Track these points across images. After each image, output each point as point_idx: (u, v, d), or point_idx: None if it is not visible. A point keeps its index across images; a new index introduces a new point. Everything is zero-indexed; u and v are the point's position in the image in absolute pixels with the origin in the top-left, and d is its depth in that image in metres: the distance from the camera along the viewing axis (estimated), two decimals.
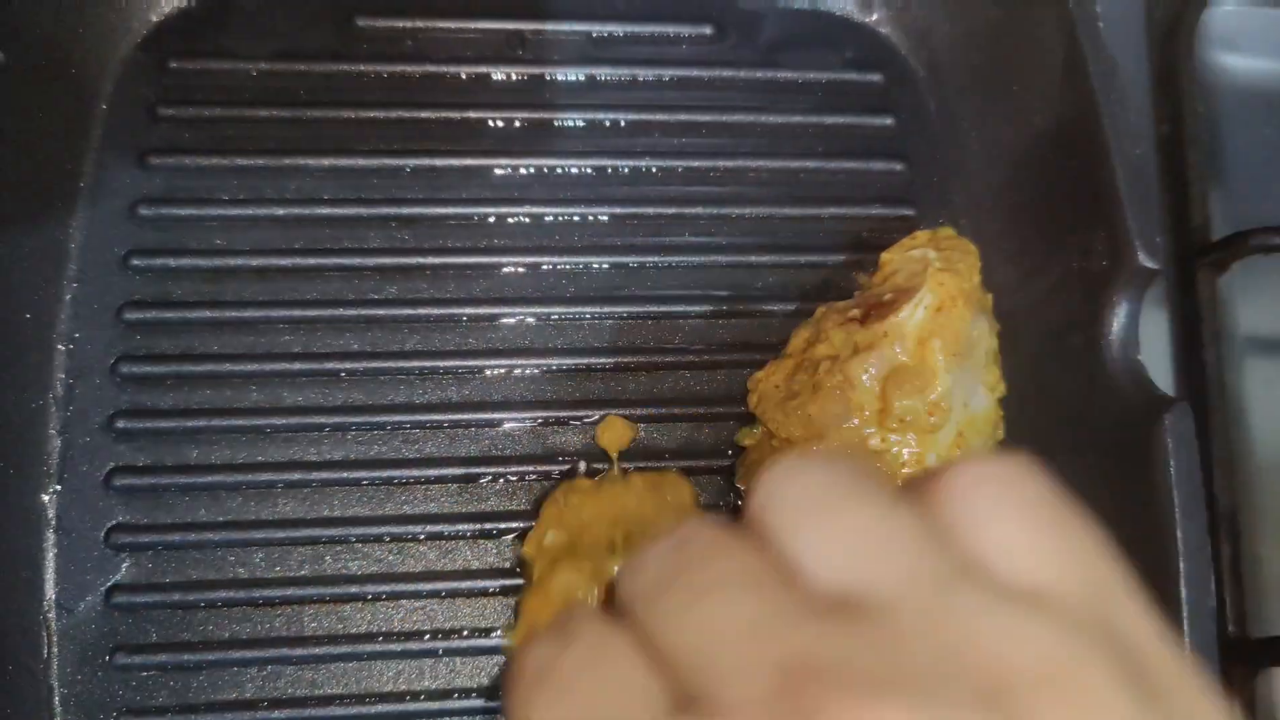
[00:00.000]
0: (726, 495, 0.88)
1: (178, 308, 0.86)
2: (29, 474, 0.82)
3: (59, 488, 0.82)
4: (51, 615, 0.80)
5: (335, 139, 0.91)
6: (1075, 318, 0.83)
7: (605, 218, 0.92)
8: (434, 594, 0.84)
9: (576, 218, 0.91)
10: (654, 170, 0.93)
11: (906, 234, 0.87)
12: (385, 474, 0.85)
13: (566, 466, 0.86)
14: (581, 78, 0.94)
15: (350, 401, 0.86)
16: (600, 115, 0.94)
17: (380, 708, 0.82)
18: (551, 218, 0.91)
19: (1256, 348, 0.99)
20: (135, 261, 0.86)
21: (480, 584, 0.84)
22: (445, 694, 0.83)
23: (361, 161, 0.90)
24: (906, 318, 0.79)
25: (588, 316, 0.90)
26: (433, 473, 0.86)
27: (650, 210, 0.92)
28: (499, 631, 0.83)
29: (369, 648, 0.82)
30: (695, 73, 0.96)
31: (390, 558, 0.84)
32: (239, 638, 0.82)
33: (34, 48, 0.84)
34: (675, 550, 0.38)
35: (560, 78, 0.94)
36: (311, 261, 0.88)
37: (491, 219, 0.91)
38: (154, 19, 0.91)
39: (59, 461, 0.83)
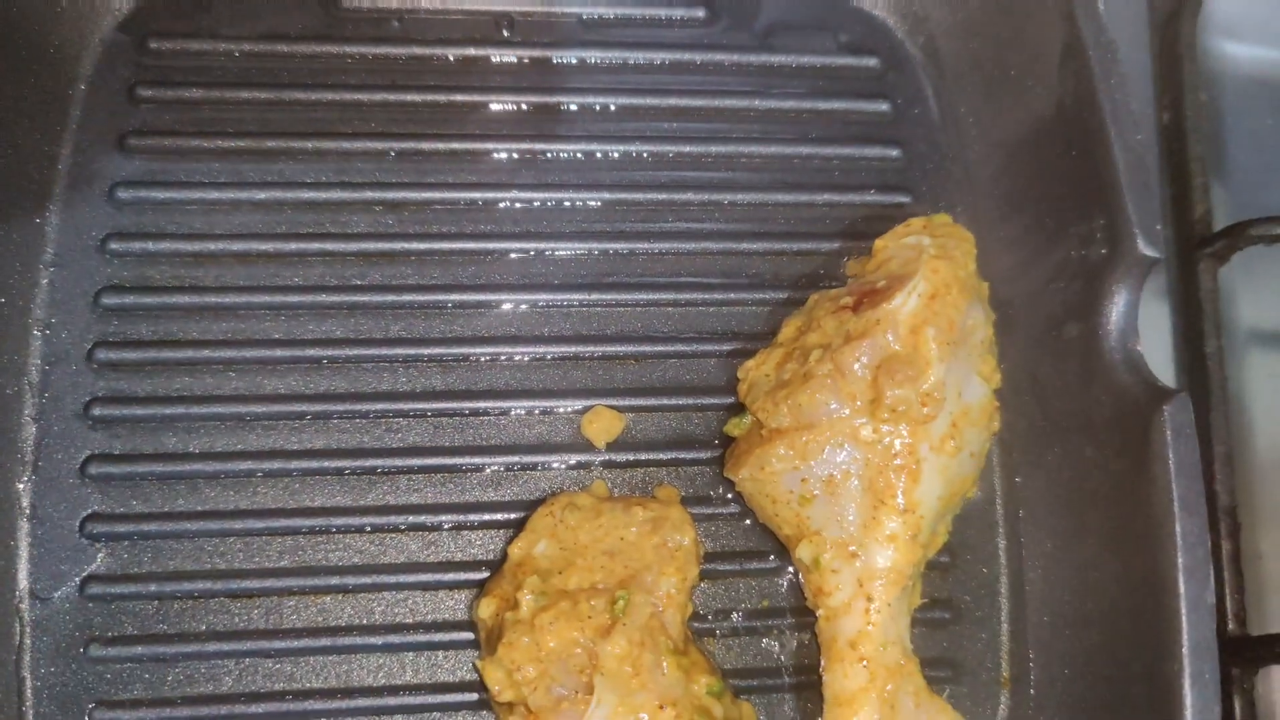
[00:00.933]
0: (715, 487, 0.86)
1: (156, 293, 0.84)
2: (3, 462, 0.80)
3: (33, 476, 0.81)
4: (24, 606, 0.79)
5: (319, 122, 0.89)
6: (1073, 307, 0.82)
7: (595, 203, 0.90)
8: (416, 585, 0.82)
9: (565, 203, 0.90)
10: (645, 155, 0.91)
11: (901, 221, 0.85)
12: (367, 463, 0.83)
13: (558, 459, 0.85)
14: (571, 60, 0.93)
15: (332, 389, 0.85)
16: (590, 99, 0.92)
17: (361, 702, 0.80)
18: (539, 203, 0.90)
19: (1258, 340, 0.98)
20: (113, 246, 0.85)
21: (463, 576, 0.82)
22: (427, 688, 0.81)
23: (346, 145, 0.88)
24: (900, 305, 0.77)
25: (576, 304, 0.88)
26: (416, 462, 0.84)
27: (641, 196, 0.90)
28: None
29: (349, 640, 0.81)
30: (687, 56, 0.94)
31: (372, 548, 0.83)
32: (216, 629, 0.80)
33: (11, 26, 0.82)
34: None
35: (550, 60, 0.92)
36: (293, 246, 0.86)
37: (478, 204, 0.89)
38: None
39: (33, 449, 0.81)
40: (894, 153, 0.94)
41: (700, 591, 0.84)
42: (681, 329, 0.89)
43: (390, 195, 0.88)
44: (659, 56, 0.94)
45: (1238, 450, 0.93)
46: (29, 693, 0.78)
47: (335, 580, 0.82)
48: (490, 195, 0.89)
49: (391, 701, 0.81)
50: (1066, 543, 0.83)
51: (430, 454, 0.84)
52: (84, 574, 0.80)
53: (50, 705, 0.78)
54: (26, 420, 0.81)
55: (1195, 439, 0.74)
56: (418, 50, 0.91)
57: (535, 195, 0.90)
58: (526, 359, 0.87)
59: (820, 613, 0.78)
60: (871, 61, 0.95)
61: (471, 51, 0.92)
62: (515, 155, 0.90)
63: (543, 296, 0.88)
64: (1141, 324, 0.79)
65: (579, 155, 0.91)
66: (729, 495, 0.86)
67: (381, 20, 0.92)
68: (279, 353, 0.84)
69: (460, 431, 0.85)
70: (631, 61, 0.93)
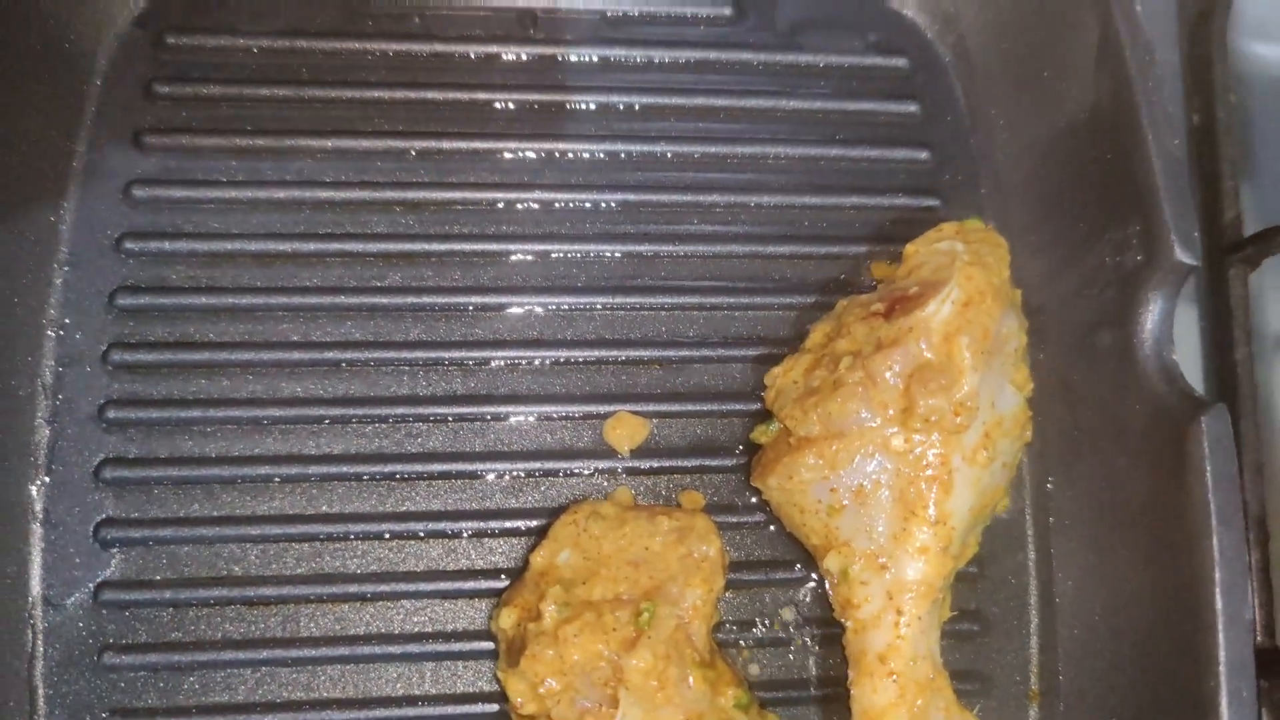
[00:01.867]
0: (741, 494, 0.85)
1: (172, 293, 0.83)
2: (15, 465, 0.79)
3: (47, 479, 0.79)
4: (38, 612, 0.78)
5: (339, 120, 0.87)
6: (1107, 314, 0.80)
7: (617, 204, 0.88)
8: (436, 594, 0.81)
9: (588, 204, 0.88)
10: (669, 156, 0.90)
11: (930, 225, 0.84)
12: (386, 468, 0.82)
13: (581, 465, 0.84)
14: (594, 59, 0.91)
15: (351, 393, 0.83)
16: (614, 98, 0.90)
17: (379, 712, 0.79)
18: (562, 204, 0.88)
19: None
20: (129, 245, 0.83)
21: (484, 584, 0.81)
22: (447, 699, 0.80)
23: (365, 144, 0.87)
24: (933, 313, 0.76)
25: (599, 307, 0.87)
26: (436, 468, 0.82)
27: (665, 197, 0.89)
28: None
29: (368, 649, 0.80)
30: (713, 55, 0.92)
31: (391, 556, 0.81)
32: (232, 638, 0.79)
33: (28, 21, 0.81)
34: None
35: (573, 58, 0.91)
36: (312, 247, 0.85)
37: (499, 204, 0.87)
38: None
39: (47, 452, 0.80)
40: (923, 155, 0.92)
41: (725, 601, 0.83)
42: (707, 333, 0.87)
43: (410, 195, 0.87)
44: (684, 55, 0.92)
45: (1266, 458, 0.91)
46: (41, 701, 0.77)
47: (353, 588, 0.80)
48: (511, 195, 0.88)
49: (410, 712, 0.79)
50: (1098, 554, 0.82)
51: (450, 459, 0.83)
52: (98, 580, 0.79)
53: (63, 714, 0.77)
54: (40, 423, 0.80)
55: (1234, 452, 0.72)
56: (439, 47, 0.90)
57: (557, 195, 0.88)
58: (549, 363, 0.85)
59: (849, 625, 0.77)
60: (900, 62, 0.94)
61: (494, 49, 0.90)
62: (538, 154, 0.89)
63: (566, 299, 0.86)
64: None
65: (602, 155, 0.89)
66: (755, 502, 0.84)
67: (403, 16, 0.90)
68: (297, 355, 0.83)
69: (481, 436, 0.84)
70: (656, 60, 0.92)
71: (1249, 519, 0.88)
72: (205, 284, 0.83)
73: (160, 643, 0.78)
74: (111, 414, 0.81)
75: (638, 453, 0.85)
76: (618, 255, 0.88)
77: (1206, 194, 0.98)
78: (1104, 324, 0.81)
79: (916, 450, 0.75)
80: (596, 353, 0.86)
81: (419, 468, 0.82)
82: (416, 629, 0.81)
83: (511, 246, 0.87)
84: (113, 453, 0.80)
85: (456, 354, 0.84)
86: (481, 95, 0.89)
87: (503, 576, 0.82)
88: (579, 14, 0.92)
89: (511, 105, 0.89)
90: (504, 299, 0.86)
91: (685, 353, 0.86)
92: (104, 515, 0.79)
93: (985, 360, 0.76)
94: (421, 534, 0.82)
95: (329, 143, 0.86)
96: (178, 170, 0.85)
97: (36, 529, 0.79)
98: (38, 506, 0.79)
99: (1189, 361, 0.94)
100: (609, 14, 0.92)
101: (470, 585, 0.81)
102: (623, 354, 0.86)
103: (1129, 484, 0.79)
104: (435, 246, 0.86)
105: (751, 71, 0.93)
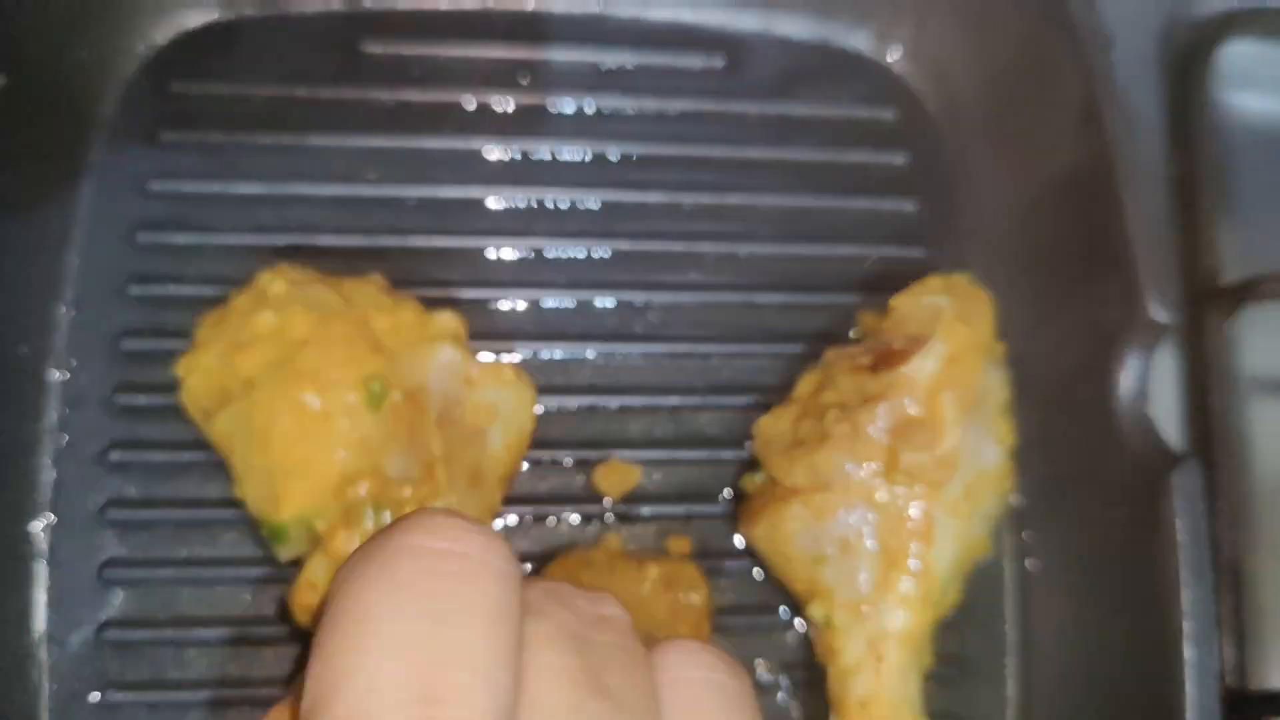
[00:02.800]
0: (727, 540, 0.87)
1: (175, 338, 0.84)
2: (20, 504, 0.80)
3: (52, 518, 0.81)
4: (41, 650, 0.79)
5: (339, 168, 0.89)
6: (1086, 368, 0.82)
7: (609, 253, 0.91)
8: None
9: (580, 253, 0.90)
10: (660, 205, 0.92)
11: (917, 275, 0.85)
12: None
13: (570, 511, 0.86)
14: (588, 109, 0.93)
15: None
16: (607, 147, 0.92)
17: None
18: (554, 252, 0.90)
19: (1266, 395, 0.98)
20: (134, 290, 0.85)
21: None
22: None
23: (365, 191, 0.89)
24: (918, 368, 0.78)
25: (590, 355, 0.89)
26: None
27: (656, 246, 0.91)
28: None
29: None
30: (705, 106, 0.94)
31: None
32: (232, 676, 0.81)
33: (33, 68, 0.82)
34: None
35: (567, 109, 0.93)
36: None
37: (490, 253, 0.89)
38: (158, 41, 0.89)
39: (52, 492, 0.81)
40: (909, 206, 0.94)
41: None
42: (696, 381, 0.89)
43: (409, 242, 0.88)
44: (677, 105, 0.94)
45: (1243, 503, 0.93)
46: None
47: None
48: (504, 241, 0.90)
49: None
50: (1075, 603, 0.84)
51: None
52: (102, 619, 0.80)
53: None
54: (45, 463, 0.82)
55: (1203, 508, 0.75)
56: (437, 96, 0.91)
57: (549, 243, 0.90)
58: (541, 410, 0.87)
59: (830, 671, 0.79)
60: (889, 114, 0.96)
61: (490, 97, 0.92)
62: (530, 204, 0.91)
63: (557, 347, 0.88)
64: (1150, 376, 0.80)
65: (595, 204, 0.91)
66: (741, 548, 0.87)
67: (402, 66, 0.92)
68: None
69: None
70: (649, 110, 0.94)
71: (1223, 564, 0.90)
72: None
73: (162, 681, 0.80)
74: (115, 456, 0.82)
75: (627, 498, 0.87)
76: (609, 304, 0.90)
77: (1185, 242, 0.99)
78: (1083, 378, 0.83)
79: (900, 502, 0.77)
80: (589, 399, 0.88)
81: None
82: None
83: (505, 293, 0.89)
84: (116, 493, 0.82)
85: None
86: (477, 143, 0.91)
87: None
88: (574, 65, 0.94)
89: (505, 155, 0.91)
90: (497, 344, 0.88)
91: (675, 400, 0.88)
92: (108, 555, 0.81)
93: (968, 415, 0.78)
94: None
95: (329, 190, 0.88)
96: (182, 216, 0.87)
97: (42, 568, 0.80)
98: (42, 545, 0.81)
99: (1168, 408, 0.96)
100: (603, 66, 0.94)
101: None
102: (614, 401, 0.88)
103: (1106, 535, 0.81)
104: (430, 293, 0.87)
105: (742, 122, 0.95)
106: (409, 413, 0.73)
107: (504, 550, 0.42)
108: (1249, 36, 1.05)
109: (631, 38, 0.95)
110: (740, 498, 0.86)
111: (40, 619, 0.80)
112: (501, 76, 0.93)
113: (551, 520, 0.86)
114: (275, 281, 0.77)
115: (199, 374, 0.77)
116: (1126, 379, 0.80)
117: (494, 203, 0.90)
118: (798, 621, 0.86)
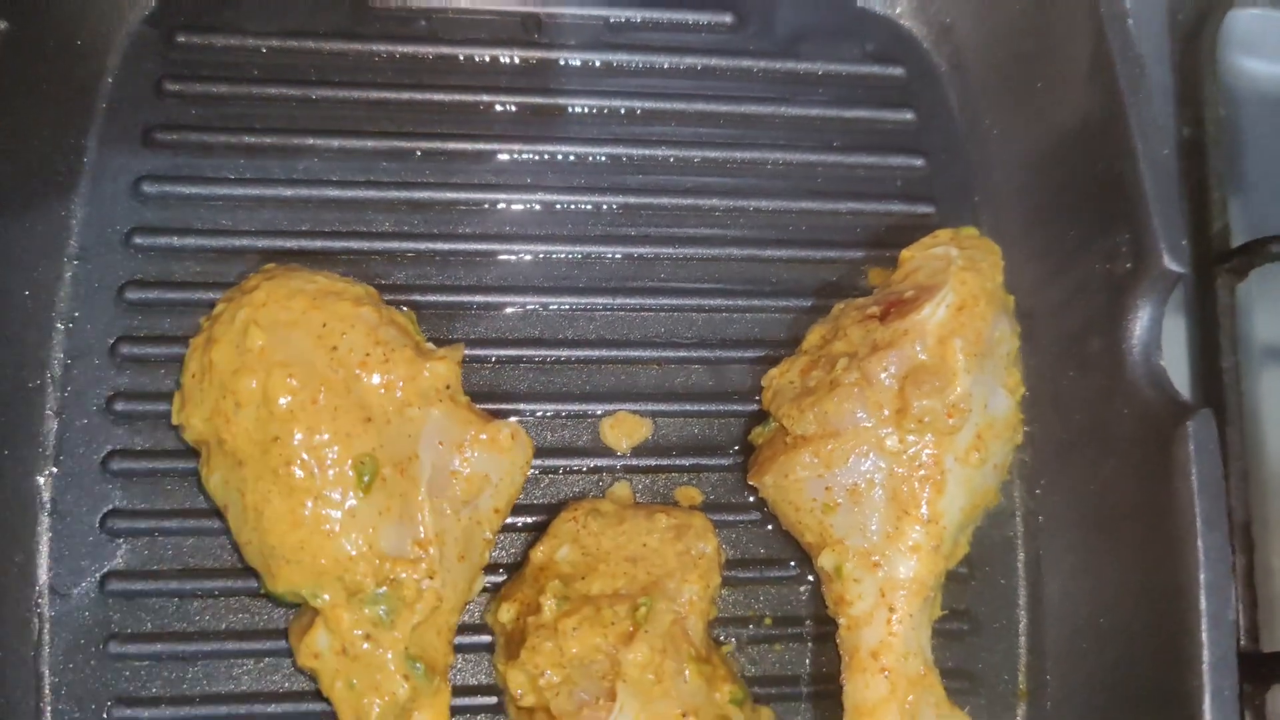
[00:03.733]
0: (738, 493, 0.86)
1: (180, 288, 0.84)
2: (24, 456, 0.80)
3: (55, 470, 0.80)
4: (44, 601, 0.78)
5: (345, 120, 0.89)
6: (1097, 320, 0.82)
7: (618, 207, 0.90)
8: None
9: (589, 206, 0.90)
10: (669, 159, 0.91)
11: (925, 231, 0.85)
12: None
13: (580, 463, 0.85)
14: (597, 63, 0.92)
15: None
16: (615, 102, 0.92)
17: None
18: (563, 205, 0.89)
19: (1274, 355, 0.98)
20: (138, 240, 0.84)
21: (483, 579, 0.82)
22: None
23: (372, 144, 0.88)
24: (928, 316, 0.77)
25: (599, 307, 0.88)
26: None
27: (665, 200, 0.90)
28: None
29: None
30: (714, 61, 0.94)
31: None
32: (236, 628, 0.80)
33: (39, 18, 0.82)
34: None
35: (575, 63, 0.92)
36: (318, 244, 0.86)
37: (501, 205, 0.89)
38: None
39: (55, 443, 0.81)
40: (918, 162, 0.94)
41: (721, 598, 0.84)
42: (705, 334, 0.89)
43: (415, 195, 0.88)
44: (685, 61, 0.94)
45: (1252, 466, 0.93)
46: (47, 689, 0.77)
47: None
48: (513, 196, 0.89)
49: None
50: (1086, 556, 0.84)
51: None
52: (104, 570, 0.80)
53: (68, 702, 0.78)
54: (48, 415, 0.81)
55: (1218, 455, 0.74)
56: (444, 49, 0.91)
57: (558, 197, 0.90)
58: (550, 362, 0.87)
59: (842, 622, 0.78)
60: (897, 71, 0.96)
61: (498, 52, 0.91)
62: (539, 156, 0.90)
63: (566, 300, 0.88)
64: None
65: (603, 158, 0.91)
66: (751, 501, 0.86)
67: (409, 19, 0.91)
68: None
69: None
70: (657, 65, 0.93)
71: (1234, 525, 0.89)
72: (212, 279, 0.84)
73: (165, 632, 0.80)
74: (119, 406, 0.82)
75: (637, 451, 0.86)
76: (618, 257, 0.89)
77: (1195, 206, 0.99)
78: (1094, 330, 0.82)
79: (910, 450, 0.77)
80: (597, 352, 0.87)
81: None
82: None
83: (513, 246, 0.88)
84: (120, 445, 0.82)
85: None
86: (485, 97, 0.90)
87: (501, 571, 0.83)
88: (582, 19, 0.93)
89: (514, 108, 0.91)
90: (506, 298, 0.87)
91: (684, 353, 0.88)
92: (111, 506, 0.81)
93: (978, 363, 0.77)
94: None
95: (336, 142, 0.88)
96: (186, 167, 0.86)
97: (44, 519, 0.80)
98: (45, 497, 0.80)
99: (1177, 371, 0.95)
100: (611, 20, 0.93)
101: None
102: (622, 354, 0.87)
103: (1117, 487, 0.81)
104: (439, 246, 0.87)
105: (750, 78, 0.94)
106: (400, 485, 0.73)
107: None
108: (1257, 3, 1.05)
109: None
110: (750, 450, 0.85)
111: (43, 570, 0.79)
112: (510, 30, 0.92)
113: (561, 471, 0.85)
114: (253, 329, 0.74)
115: (191, 431, 0.76)
116: (1138, 330, 0.79)
117: (501, 156, 0.90)
118: (809, 574, 0.85)
